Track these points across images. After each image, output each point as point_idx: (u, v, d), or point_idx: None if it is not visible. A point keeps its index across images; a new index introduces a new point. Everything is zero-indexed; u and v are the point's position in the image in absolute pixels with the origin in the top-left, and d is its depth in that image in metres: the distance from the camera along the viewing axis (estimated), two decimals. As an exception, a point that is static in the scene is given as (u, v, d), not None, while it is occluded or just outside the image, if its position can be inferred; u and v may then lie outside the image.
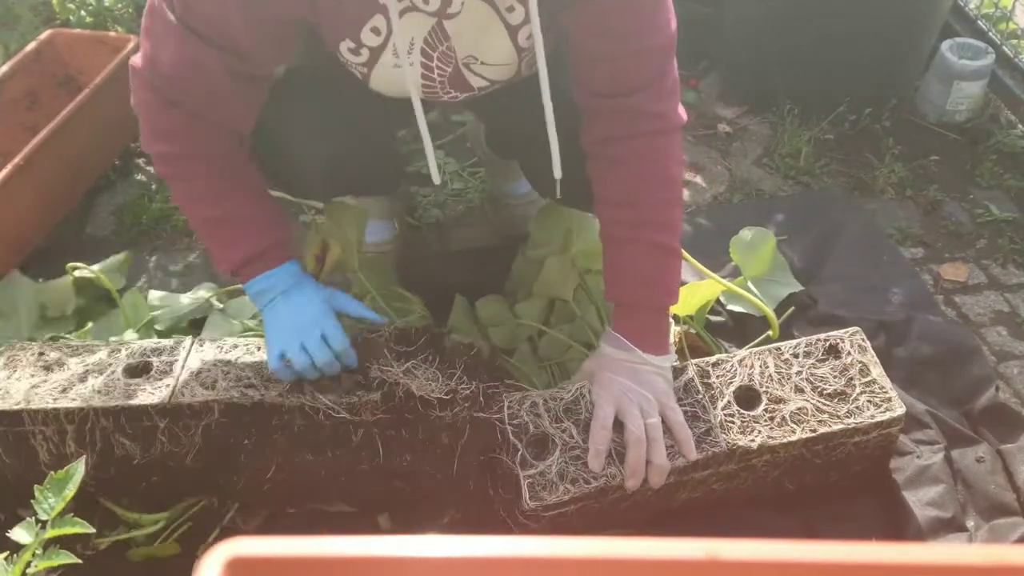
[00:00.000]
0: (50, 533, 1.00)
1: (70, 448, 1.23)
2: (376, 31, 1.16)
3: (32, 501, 1.03)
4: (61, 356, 1.32)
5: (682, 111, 1.25)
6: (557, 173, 1.24)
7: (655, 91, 1.20)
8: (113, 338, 1.54)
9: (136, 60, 1.19)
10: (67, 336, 1.54)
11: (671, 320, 1.30)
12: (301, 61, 1.29)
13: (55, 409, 1.22)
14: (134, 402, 1.23)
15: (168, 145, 1.22)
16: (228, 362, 1.31)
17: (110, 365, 1.30)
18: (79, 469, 1.05)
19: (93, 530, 1.04)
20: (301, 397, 1.24)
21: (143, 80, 1.18)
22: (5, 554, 1.00)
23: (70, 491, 1.03)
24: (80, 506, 1.09)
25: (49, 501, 1.02)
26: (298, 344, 1.23)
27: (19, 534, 1.00)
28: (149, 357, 1.32)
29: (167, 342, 1.36)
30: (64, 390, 1.25)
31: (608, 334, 1.28)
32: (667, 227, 1.25)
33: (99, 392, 1.25)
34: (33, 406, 1.22)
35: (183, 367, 1.30)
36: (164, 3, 1.12)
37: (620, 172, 1.24)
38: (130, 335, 1.55)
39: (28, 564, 0.98)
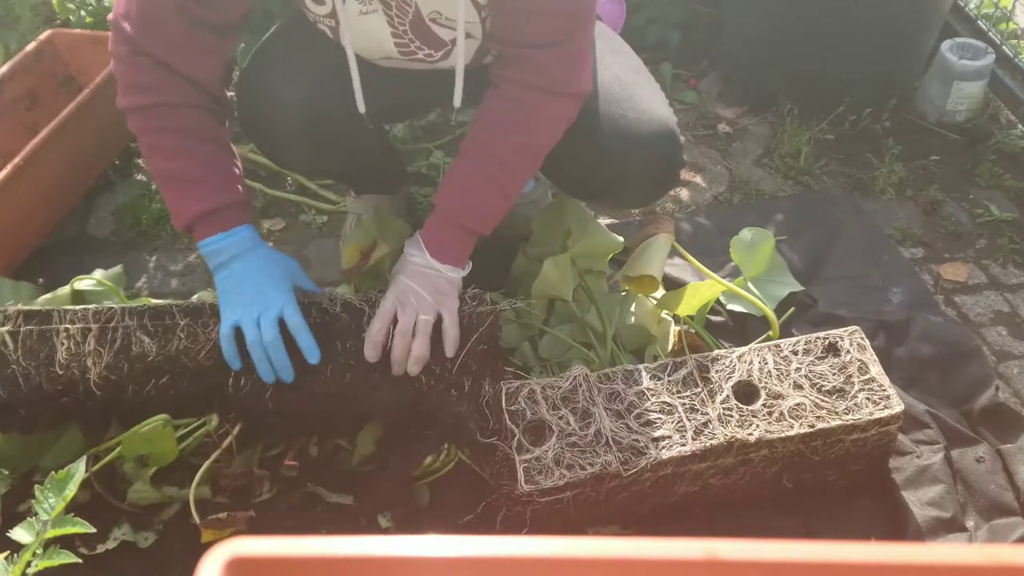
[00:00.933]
0: (50, 533, 1.00)
1: (90, 346, 1.27)
2: None
3: (37, 495, 1.03)
4: (77, 327, 1.35)
5: (583, 83, 1.29)
6: (457, 102, 1.34)
7: (559, 52, 1.25)
8: None
9: (112, 13, 1.24)
10: None
11: (473, 244, 1.35)
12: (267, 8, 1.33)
13: (85, 309, 1.29)
14: (159, 302, 1.29)
15: (138, 96, 1.24)
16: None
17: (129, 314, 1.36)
18: (79, 469, 1.06)
19: (94, 530, 1.04)
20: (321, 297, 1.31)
21: (117, 32, 1.23)
22: (5, 554, 1.01)
23: (71, 491, 1.03)
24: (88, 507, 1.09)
25: (50, 501, 1.02)
26: (252, 318, 1.24)
27: (19, 534, 1.00)
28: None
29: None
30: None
31: (413, 237, 1.33)
32: (509, 170, 1.30)
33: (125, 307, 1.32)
34: (64, 307, 1.30)
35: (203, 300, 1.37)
36: None
37: (498, 104, 1.29)
38: None
39: (28, 564, 0.98)
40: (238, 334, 1.25)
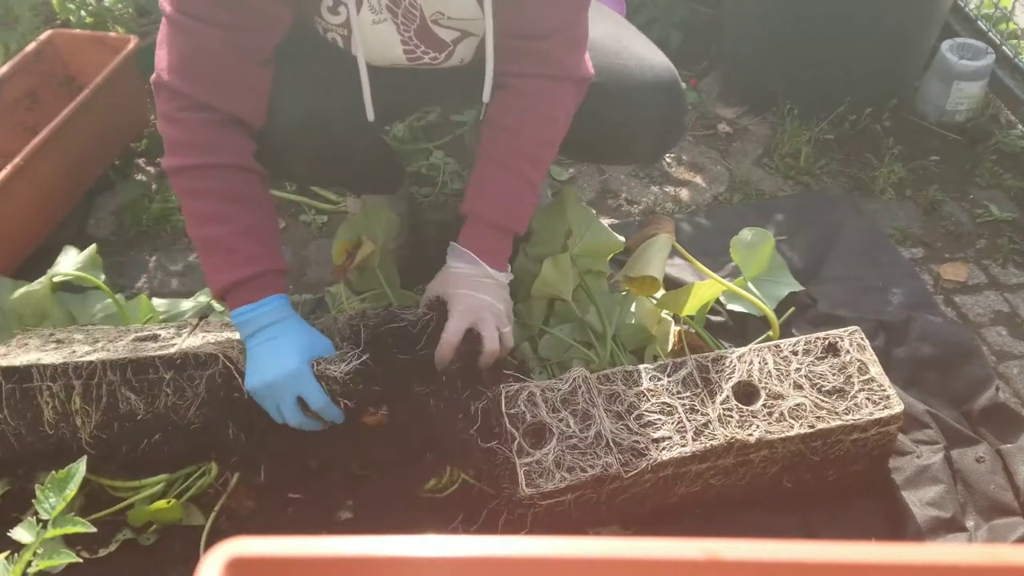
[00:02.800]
0: (51, 533, 1.00)
1: (76, 405, 1.24)
2: None
3: (37, 495, 1.03)
4: (70, 335, 1.36)
5: (587, 66, 1.33)
6: (486, 97, 1.34)
7: (564, 38, 1.29)
8: None
9: (154, 75, 1.22)
10: None
11: (511, 247, 1.37)
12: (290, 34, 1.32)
13: (64, 364, 1.25)
14: (142, 355, 1.26)
15: (184, 157, 1.23)
16: (233, 331, 1.34)
17: (119, 336, 1.35)
18: (80, 469, 1.06)
19: (95, 530, 1.04)
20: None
21: (160, 90, 1.22)
22: (6, 554, 1.01)
23: (71, 491, 1.03)
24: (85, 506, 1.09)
25: (50, 501, 1.02)
26: (273, 404, 1.24)
27: (20, 534, 1.00)
28: (157, 332, 1.35)
29: (174, 323, 1.41)
30: (73, 352, 1.29)
31: (455, 250, 1.34)
32: (537, 164, 1.34)
33: (107, 351, 1.29)
34: (44, 362, 1.25)
35: (190, 334, 1.35)
36: (165, 11, 1.19)
37: (513, 101, 1.33)
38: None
39: (28, 564, 0.98)
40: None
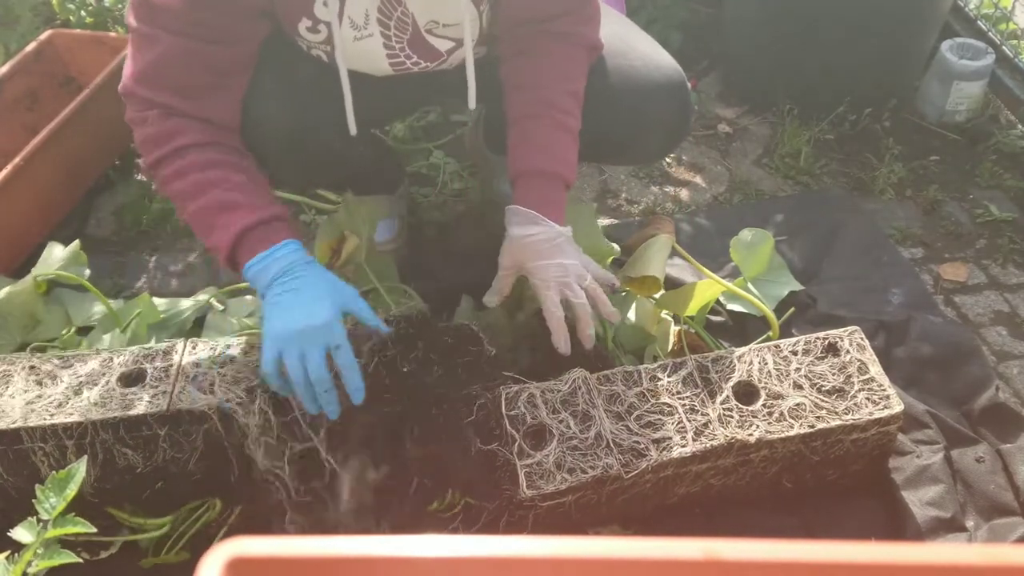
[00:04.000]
0: (51, 533, 1.00)
1: (71, 462, 1.19)
2: (326, 2, 1.19)
3: (37, 495, 1.03)
4: (53, 368, 1.30)
5: (599, 35, 1.35)
6: (471, 103, 1.33)
7: (577, 16, 1.31)
8: (107, 336, 1.54)
9: (121, 85, 1.23)
10: (54, 345, 1.52)
11: (566, 199, 1.35)
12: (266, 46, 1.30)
13: (52, 425, 1.20)
14: (132, 412, 1.22)
15: (155, 150, 1.22)
16: (223, 363, 1.31)
17: (103, 375, 1.29)
18: (80, 469, 1.06)
19: (95, 529, 1.04)
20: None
21: (128, 99, 1.23)
22: (6, 554, 1.00)
23: (71, 491, 1.03)
24: (84, 512, 1.09)
25: (50, 501, 1.02)
26: (298, 351, 1.14)
27: (20, 534, 1.00)
28: (143, 364, 1.31)
29: (160, 346, 1.35)
30: (60, 404, 1.24)
31: (512, 211, 1.30)
32: (569, 113, 1.32)
33: (96, 404, 1.23)
34: (30, 423, 1.21)
35: (178, 372, 1.29)
36: (131, 24, 1.19)
37: (532, 64, 1.32)
38: (118, 336, 1.55)
39: (29, 564, 0.98)
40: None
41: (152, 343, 1.42)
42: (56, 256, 1.65)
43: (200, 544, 1.29)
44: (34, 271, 1.62)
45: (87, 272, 1.68)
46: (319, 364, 1.14)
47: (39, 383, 1.28)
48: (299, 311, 1.16)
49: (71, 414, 1.22)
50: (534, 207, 1.29)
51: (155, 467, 1.25)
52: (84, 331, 1.62)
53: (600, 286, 1.30)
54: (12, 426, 1.21)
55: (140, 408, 1.23)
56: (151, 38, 1.18)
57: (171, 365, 1.30)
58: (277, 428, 1.23)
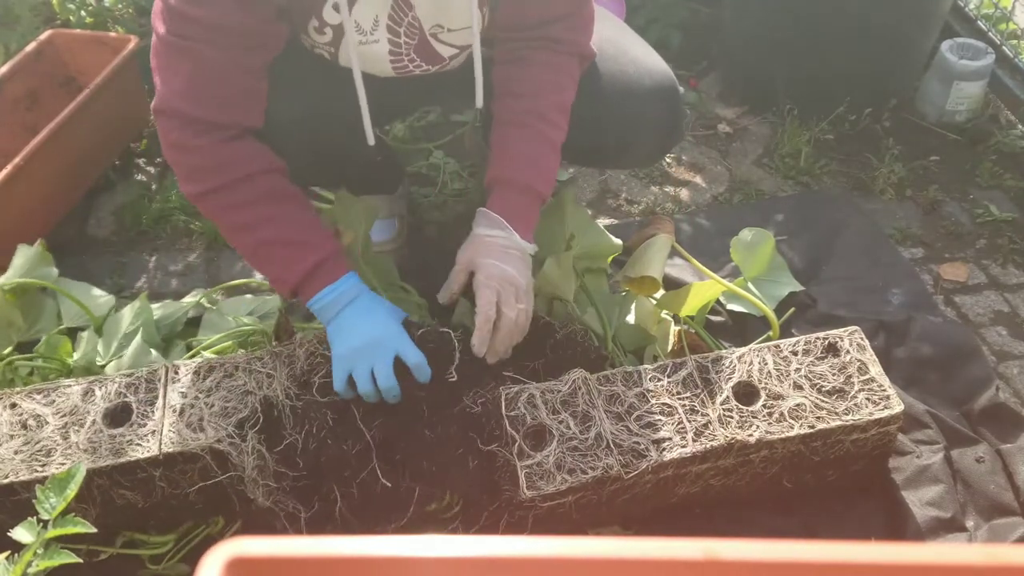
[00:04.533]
0: (51, 533, 1.00)
1: (72, 508, 1.18)
2: (336, 7, 1.20)
3: (38, 495, 1.03)
4: (35, 407, 1.28)
5: (590, 45, 1.35)
6: (479, 102, 1.34)
7: (571, 23, 1.31)
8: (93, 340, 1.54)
9: (154, 103, 1.21)
10: (31, 358, 1.51)
11: (538, 213, 1.36)
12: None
13: (45, 477, 1.19)
14: (125, 459, 1.21)
15: (204, 182, 1.23)
16: (208, 390, 1.29)
17: (88, 413, 1.27)
18: (80, 469, 1.05)
19: (94, 530, 1.04)
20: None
21: (165, 119, 1.21)
22: (6, 554, 1.00)
23: (71, 491, 1.03)
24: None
25: (50, 501, 1.02)
26: (368, 366, 1.22)
27: (20, 534, 1.00)
28: (126, 396, 1.29)
29: (140, 372, 1.33)
30: (49, 453, 1.22)
31: (481, 213, 1.31)
32: (556, 127, 1.33)
33: (86, 451, 1.22)
34: (22, 478, 1.20)
35: (164, 406, 1.28)
36: (159, 31, 1.17)
37: (522, 72, 1.32)
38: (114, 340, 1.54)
39: (29, 564, 0.98)
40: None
41: (135, 370, 1.37)
42: (19, 261, 1.64)
43: (199, 555, 1.29)
44: (2, 279, 1.61)
45: (55, 272, 1.67)
46: (388, 372, 1.22)
47: (23, 425, 1.26)
48: (370, 326, 1.25)
49: (63, 464, 1.20)
50: (503, 215, 1.30)
51: (155, 503, 1.25)
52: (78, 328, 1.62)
53: (516, 325, 1.28)
54: (5, 481, 1.19)
55: (131, 454, 1.21)
56: (186, 51, 1.16)
57: (155, 396, 1.28)
58: (273, 464, 1.22)
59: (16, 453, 1.23)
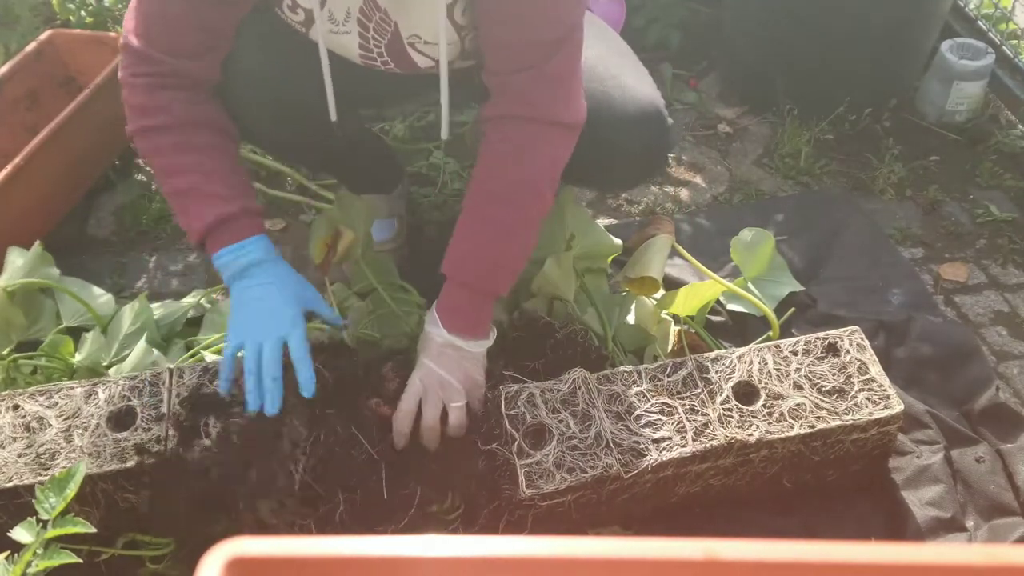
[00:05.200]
0: (51, 533, 1.00)
1: (74, 509, 1.16)
2: None
3: (37, 495, 1.03)
4: (38, 409, 1.28)
5: (571, 111, 1.25)
6: (444, 134, 1.30)
7: (534, 75, 1.21)
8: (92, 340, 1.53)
9: (120, 38, 1.24)
10: (33, 356, 1.51)
11: (490, 309, 1.30)
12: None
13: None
14: (129, 465, 1.21)
15: (145, 119, 1.24)
16: (213, 392, 1.27)
17: (92, 416, 1.26)
18: (80, 469, 1.06)
19: (95, 530, 1.04)
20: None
21: (124, 53, 1.23)
22: (6, 554, 1.00)
23: (71, 491, 1.03)
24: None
25: (50, 501, 1.02)
26: (257, 342, 1.19)
27: (20, 534, 1.00)
28: (130, 400, 1.28)
29: (144, 375, 1.31)
30: (53, 455, 1.22)
31: (430, 311, 1.29)
32: (515, 208, 1.25)
33: (91, 455, 1.22)
34: (26, 481, 1.19)
35: (169, 409, 1.27)
36: None
37: (488, 148, 1.27)
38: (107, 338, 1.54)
39: (29, 564, 0.98)
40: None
41: (138, 372, 1.36)
42: (18, 263, 1.64)
43: (200, 554, 1.28)
44: (3, 279, 1.61)
45: (56, 272, 1.67)
46: (273, 352, 1.18)
47: (27, 427, 1.25)
48: (264, 305, 1.22)
49: (67, 467, 1.17)
50: (443, 316, 1.26)
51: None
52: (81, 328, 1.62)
53: (434, 426, 1.24)
54: (8, 485, 1.19)
55: (134, 460, 1.20)
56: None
57: (160, 401, 1.27)
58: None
59: (20, 456, 1.22)
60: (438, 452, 1.25)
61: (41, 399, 1.29)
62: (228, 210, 1.23)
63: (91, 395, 1.29)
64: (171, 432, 1.24)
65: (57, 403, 1.29)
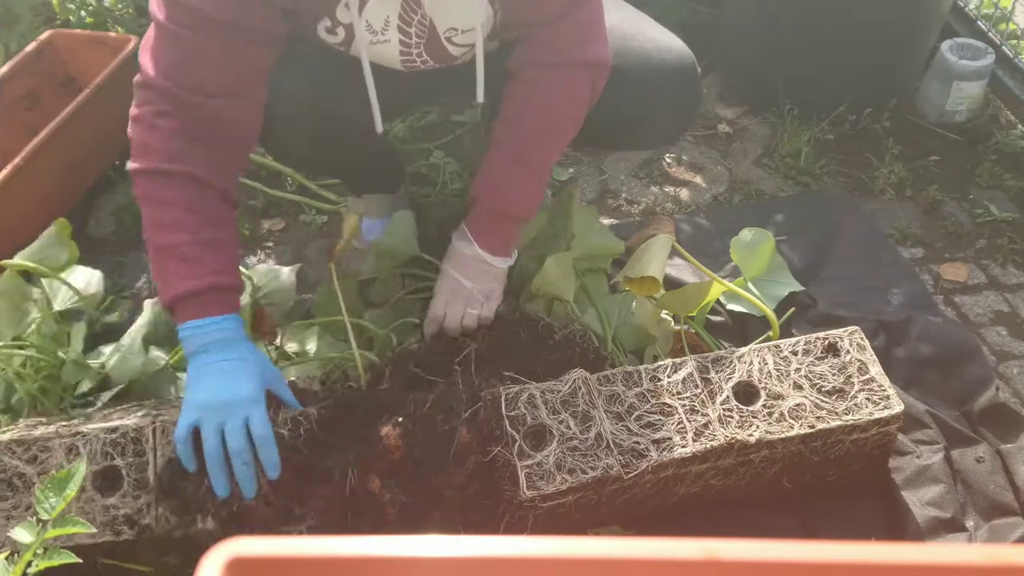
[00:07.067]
0: (51, 533, 1.00)
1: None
2: (348, 7, 1.22)
3: (37, 495, 1.03)
4: (18, 464, 1.22)
5: (597, 52, 1.33)
6: (480, 97, 1.37)
7: (564, 24, 1.30)
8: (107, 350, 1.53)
9: (137, 77, 1.20)
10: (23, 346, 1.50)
11: (518, 232, 1.44)
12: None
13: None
14: (122, 539, 1.17)
15: (148, 159, 1.19)
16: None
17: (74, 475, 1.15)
18: (80, 469, 1.05)
19: (95, 530, 1.04)
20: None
21: (142, 89, 1.20)
22: (6, 554, 1.00)
23: (71, 491, 1.03)
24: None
25: (50, 501, 1.02)
26: (216, 422, 1.13)
27: (20, 534, 1.00)
28: (113, 456, 1.21)
29: (127, 424, 1.23)
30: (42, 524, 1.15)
31: (458, 230, 1.41)
32: (541, 148, 1.37)
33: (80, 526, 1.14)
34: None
35: (153, 472, 1.21)
36: (158, 18, 1.16)
37: (514, 91, 1.36)
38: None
39: (29, 564, 0.98)
40: (197, 434, 1.15)
41: (118, 425, 1.25)
42: (36, 244, 1.65)
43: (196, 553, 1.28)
44: (16, 257, 1.61)
45: (64, 254, 1.65)
46: (239, 434, 1.13)
47: (9, 485, 1.21)
48: (225, 382, 1.15)
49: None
50: (474, 233, 1.39)
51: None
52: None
53: (460, 327, 1.39)
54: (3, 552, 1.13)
55: (128, 533, 1.18)
56: (178, 36, 1.15)
57: (145, 462, 1.21)
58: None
59: (9, 519, 1.18)
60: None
61: (19, 451, 1.22)
62: (205, 283, 1.18)
63: (72, 450, 1.22)
64: (161, 510, 1.18)
65: (36, 457, 1.22)
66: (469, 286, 1.38)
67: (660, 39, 1.47)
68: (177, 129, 1.18)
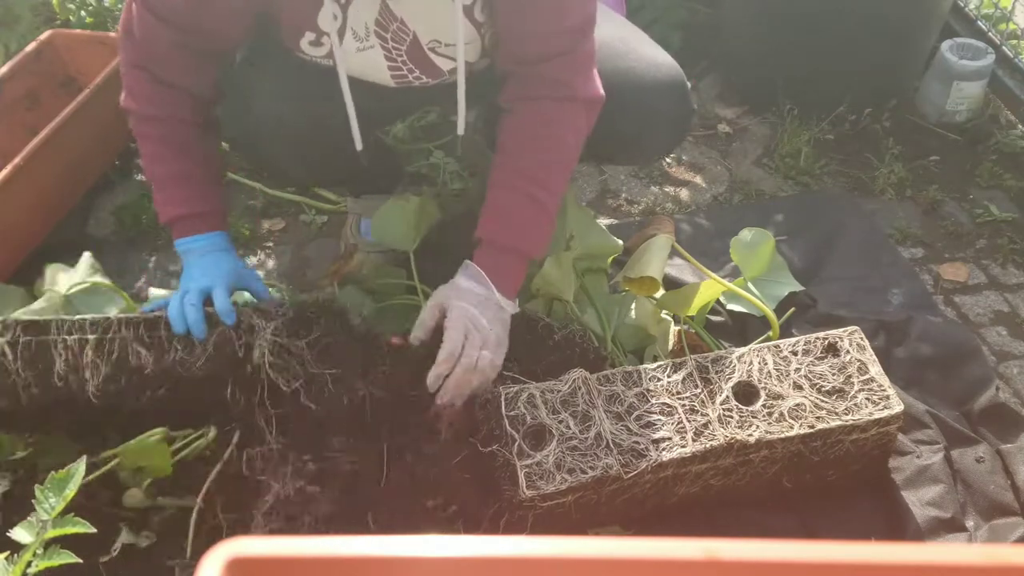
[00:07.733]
0: (51, 533, 1.00)
1: (87, 357, 1.26)
2: (334, 16, 1.24)
3: (37, 495, 1.03)
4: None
5: (593, 87, 1.33)
6: (460, 129, 1.40)
7: (564, 61, 1.29)
8: None
9: (120, 23, 1.31)
10: None
11: (525, 273, 1.36)
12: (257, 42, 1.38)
13: (82, 319, 1.28)
14: (154, 314, 1.31)
15: (135, 103, 1.33)
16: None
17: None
18: (80, 469, 1.06)
19: (95, 530, 1.04)
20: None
21: (123, 40, 1.31)
22: (6, 554, 1.00)
23: (71, 491, 1.03)
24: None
25: (50, 501, 1.02)
26: (179, 297, 1.29)
27: (20, 534, 1.00)
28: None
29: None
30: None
31: (466, 265, 1.33)
32: (545, 186, 1.32)
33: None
34: (63, 317, 1.30)
35: None
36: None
37: (516, 126, 1.34)
38: None
39: (28, 564, 0.98)
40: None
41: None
42: (64, 276, 1.63)
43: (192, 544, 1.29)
44: (54, 287, 1.59)
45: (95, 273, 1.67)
46: (196, 305, 1.27)
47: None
48: (202, 270, 1.33)
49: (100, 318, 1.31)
50: (488, 272, 1.30)
51: (163, 369, 1.27)
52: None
53: (476, 369, 1.26)
54: (46, 318, 1.28)
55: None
56: (146, 21, 1.26)
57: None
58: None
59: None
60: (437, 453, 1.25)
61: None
62: (199, 208, 1.36)
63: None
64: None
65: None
66: (486, 324, 1.27)
67: (650, 56, 1.47)
68: (146, 78, 1.31)
